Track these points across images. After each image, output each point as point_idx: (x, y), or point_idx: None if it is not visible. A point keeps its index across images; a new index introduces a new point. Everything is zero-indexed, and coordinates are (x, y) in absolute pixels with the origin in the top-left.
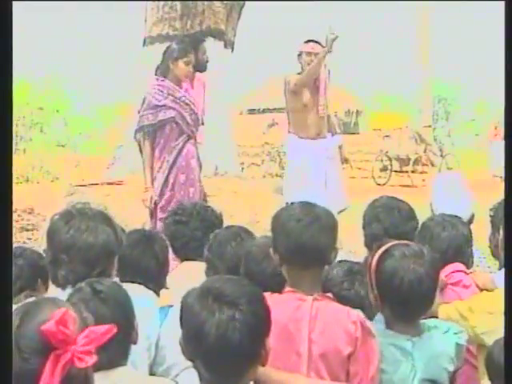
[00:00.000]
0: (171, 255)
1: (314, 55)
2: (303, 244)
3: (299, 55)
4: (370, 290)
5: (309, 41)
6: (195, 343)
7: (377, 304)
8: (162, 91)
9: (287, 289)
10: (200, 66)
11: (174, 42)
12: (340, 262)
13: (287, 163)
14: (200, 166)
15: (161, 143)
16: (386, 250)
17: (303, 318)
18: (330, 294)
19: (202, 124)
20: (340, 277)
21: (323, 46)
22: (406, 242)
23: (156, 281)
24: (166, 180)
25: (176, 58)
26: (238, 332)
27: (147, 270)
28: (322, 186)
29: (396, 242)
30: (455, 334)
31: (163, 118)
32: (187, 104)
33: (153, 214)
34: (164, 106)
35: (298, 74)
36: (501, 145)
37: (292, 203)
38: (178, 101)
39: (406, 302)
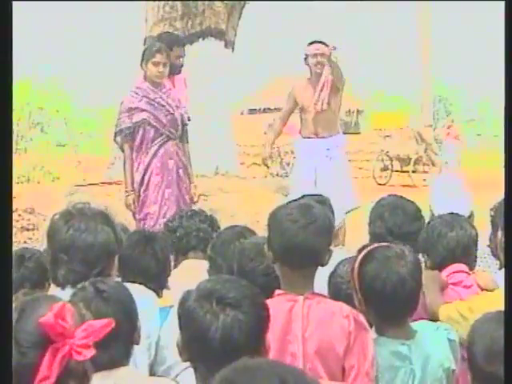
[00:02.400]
0: None
1: (319, 56)
2: (298, 245)
3: (305, 58)
4: (354, 295)
5: (312, 42)
6: (199, 346)
7: (362, 308)
8: (137, 93)
9: (277, 292)
10: (173, 69)
11: (148, 44)
12: (351, 258)
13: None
14: (184, 167)
15: (137, 145)
16: (368, 253)
17: (296, 319)
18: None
19: (187, 122)
20: (349, 275)
21: (327, 46)
22: (387, 244)
23: (157, 281)
24: (142, 181)
25: (146, 61)
26: (243, 333)
27: (147, 270)
28: (311, 184)
29: (377, 244)
30: (445, 330)
31: (137, 120)
32: (162, 105)
33: (135, 216)
34: (137, 108)
35: (309, 78)
36: (452, 145)
37: (290, 202)
38: (152, 102)
39: (390, 304)
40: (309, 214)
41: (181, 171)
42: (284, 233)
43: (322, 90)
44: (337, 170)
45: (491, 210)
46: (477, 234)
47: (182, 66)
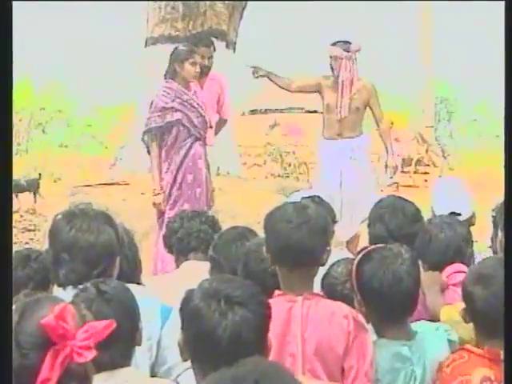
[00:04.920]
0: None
1: (332, 59)
2: (291, 245)
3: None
4: (354, 297)
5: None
6: (205, 345)
7: (362, 310)
8: (169, 93)
9: (277, 293)
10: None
11: (180, 44)
12: (345, 259)
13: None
14: (208, 168)
15: (168, 145)
16: (365, 254)
17: (295, 319)
18: (321, 291)
19: (211, 127)
20: (344, 275)
21: (347, 47)
22: (384, 245)
23: (129, 280)
24: (174, 180)
25: (182, 60)
26: (251, 331)
27: (120, 270)
28: (337, 186)
29: (375, 245)
30: (445, 331)
31: (170, 120)
32: (194, 107)
33: (161, 216)
34: (171, 108)
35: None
36: (394, 148)
37: (286, 203)
38: (185, 103)
39: (388, 304)
40: (303, 214)
41: (206, 171)
42: (279, 233)
43: (342, 97)
44: (362, 171)
45: (493, 210)
46: (469, 233)
47: (210, 66)
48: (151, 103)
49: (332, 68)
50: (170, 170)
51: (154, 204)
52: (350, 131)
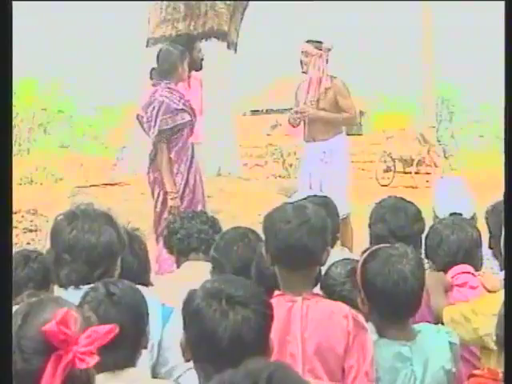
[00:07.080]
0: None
1: (303, 54)
2: (291, 246)
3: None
4: (358, 295)
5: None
6: (207, 345)
7: (365, 308)
8: (175, 94)
9: (276, 293)
10: (196, 65)
11: (168, 46)
12: (344, 260)
13: None
14: None
15: (178, 146)
16: (371, 253)
17: (295, 319)
18: (320, 292)
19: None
20: (342, 277)
21: (319, 45)
22: (390, 244)
23: (140, 280)
24: (187, 182)
25: (182, 60)
26: (252, 331)
27: (130, 270)
28: (306, 189)
29: (382, 245)
30: (446, 333)
31: (181, 121)
32: (192, 108)
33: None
34: (181, 109)
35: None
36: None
37: (285, 203)
38: (187, 104)
39: (391, 302)
40: (302, 214)
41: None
42: (278, 234)
43: (308, 92)
44: (331, 174)
45: (486, 212)
46: (479, 235)
47: (202, 59)
48: (161, 104)
49: (302, 63)
50: (180, 172)
51: (172, 207)
52: (321, 133)
